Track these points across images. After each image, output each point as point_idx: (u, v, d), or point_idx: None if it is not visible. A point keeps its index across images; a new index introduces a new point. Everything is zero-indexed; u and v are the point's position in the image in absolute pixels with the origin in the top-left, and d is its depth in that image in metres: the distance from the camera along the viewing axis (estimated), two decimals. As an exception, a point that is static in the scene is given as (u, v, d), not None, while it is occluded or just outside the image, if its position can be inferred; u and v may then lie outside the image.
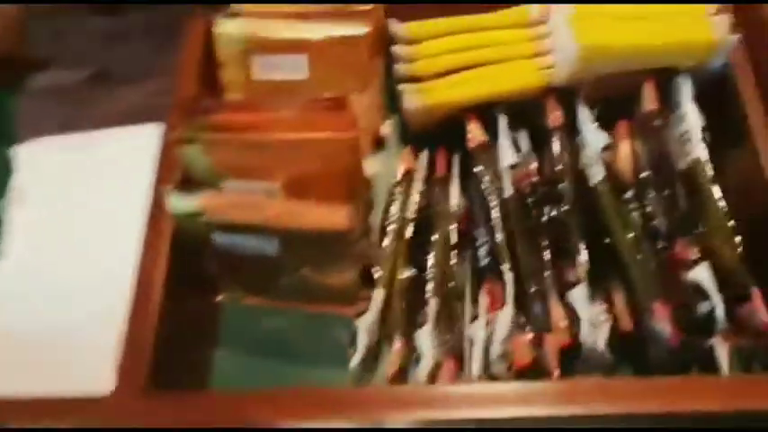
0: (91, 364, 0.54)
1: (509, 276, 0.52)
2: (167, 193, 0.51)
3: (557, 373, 0.49)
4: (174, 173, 0.55)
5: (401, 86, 0.59)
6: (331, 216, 0.50)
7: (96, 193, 0.62)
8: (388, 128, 0.67)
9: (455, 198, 0.59)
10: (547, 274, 0.53)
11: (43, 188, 0.63)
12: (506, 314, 0.51)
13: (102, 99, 0.66)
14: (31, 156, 0.64)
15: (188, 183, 0.54)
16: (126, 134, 0.64)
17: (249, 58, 0.62)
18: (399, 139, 0.67)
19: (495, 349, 0.50)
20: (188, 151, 0.53)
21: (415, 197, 0.60)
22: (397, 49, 0.61)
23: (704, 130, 0.55)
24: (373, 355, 0.56)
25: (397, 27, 0.62)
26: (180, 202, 0.51)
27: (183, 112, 0.53)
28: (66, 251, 0.60)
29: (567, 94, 0.57)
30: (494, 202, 0.55)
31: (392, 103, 0.66)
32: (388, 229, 0.59)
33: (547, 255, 0.53)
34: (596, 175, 0.55)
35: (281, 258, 0.53)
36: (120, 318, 0.53)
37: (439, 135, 0.62)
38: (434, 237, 0.58)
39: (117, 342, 0.53)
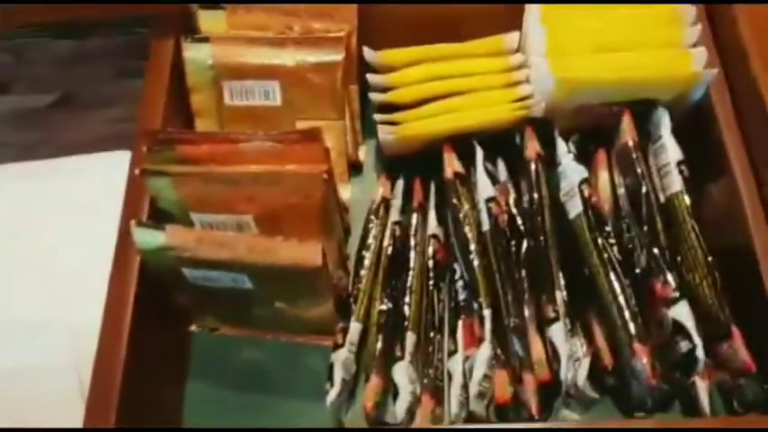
0: (55, 405, 0.53)
1: (487, 312, 0.51)
2: (133, 228, 0.49)
3: (536, 412, 0.48)
4: (141, 204, 0.53)
5: (376, 116, 0.58)
6: (302, 253, 0.48)
7: (60, 224, 0.60)
8: (363, 154, 0.66)
9: (432, 228, 0.58)
10: (525, 308, 0.52)
11: (3, 218, 0.60)
12: (484, 352, 0.49)
13: (65, 125, 0.64)
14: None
15: (156, 215, 0.52)
16: (91, 162, 0.62)
17: (220, 84, 0.60)
18: (375, 165, 0.66)
19: (474, 388, 0.49)
20: (155, 184, 0.51)
21: (392, 227, 0.59)
22: (371, 78, 0.60)
23: (682, 162, 0.54)
24: (350, 389, 0.55)
25: (372, 54, 0.61)
26: (146, 237, 0.49)
27: (149, 143, 0.51)
28: (25, 285, 0.58)
29: (544, 125, 0.57)
30: (471, 235, 0.54)
31: (368, 128, 0.66)
32: (365, 259, 0.58)
33: (525, 289, 0.52)
34: (574, 208, 0.54)
35: (254, 292, 0.52)
36: (84, 355, 0.51)
37: (416, 162, 0.61)
38: (411, 267, 0.57)
39: (84, 371, 0.52)
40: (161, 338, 0.57)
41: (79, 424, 0.47)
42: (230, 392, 0.58)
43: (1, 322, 0.57)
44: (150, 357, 0.53)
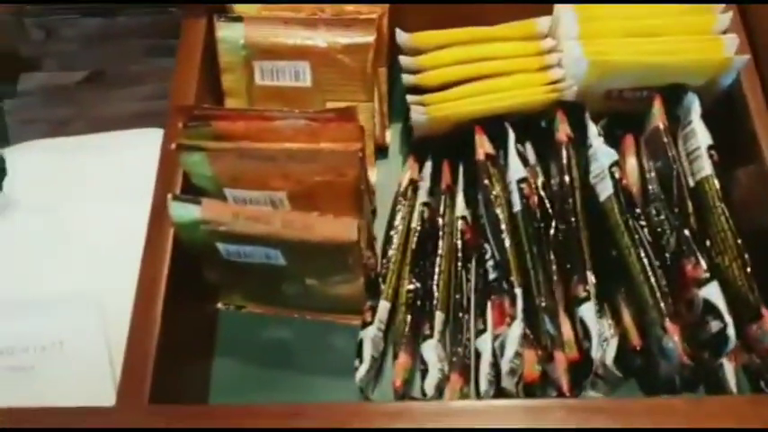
0: (86, 379, 0.53)
1: (518, 291, 0.51)
2: (169, 201, 0.49)
3: (567, 388, 0.49)
4: (175, 179, 0.53)
5: (408, 97, 0.58)
6: (338, 228, 0.49)
7: (94, 198, 0.60)
8: (389, 137, 0.67)
9: (461, 210, 0.58)
10: (556, 289, 0.52)
11: (35, 193, 0.60)
12: (516, 329, 0.50)
13: (95, 102, 0.64)
14: (22, 159, 0.61)
15: (189, 191, 0.53)
16: (123, 138, 0.62)
17: (251, 64, 0.61)
18: (401, 149, 0.67)
19: (505, 366, 0.49)
20: (190, 160, 0.52)
21: (420, 208, 0.59)
22: (403, 60, 0.60)
23: (712, 147, 0.54)
24: (378, 367, 0.56)
25: (403, 37, 0.61)
26: (182, 211, 0.49)
27: (184, 118, 0.51)
28: (59, 259, 0.58)
29: (575, 108, 0.57)
30: (502, 216, 0.54)
31: (396, 111, 0.66)
32: (393, 240, 0.58)
33: (555, 270, 0.53)
34: (605, 191, 0.54)
35: (286, 268, 0.52)
36: (116, 325, 0.52)
37: (444, 145, 0.61)
38: (440, 249, 0.57)
39: (114, 349, 0.52)
40: (191, 315, 0.57)
41: (108, 401, 0.48)
42: (256, 370, 0.58)
43: (31, 297, 0.57)
44: (181, 334, 0.53)
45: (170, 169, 0.54)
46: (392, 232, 0.59)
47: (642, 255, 0.51)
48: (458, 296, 0.56)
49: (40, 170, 0.60)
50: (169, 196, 0.50)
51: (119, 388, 0.47)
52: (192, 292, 0.56)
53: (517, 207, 0.54)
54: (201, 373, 0.58)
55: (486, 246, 0.55)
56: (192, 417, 0.46)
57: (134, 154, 0.59)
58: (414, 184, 0.61)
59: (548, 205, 0.56)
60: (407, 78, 0.59)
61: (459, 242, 0.57)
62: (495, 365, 0.51)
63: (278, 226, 0.49)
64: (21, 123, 0.63)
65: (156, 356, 0.48)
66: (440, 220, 0.59)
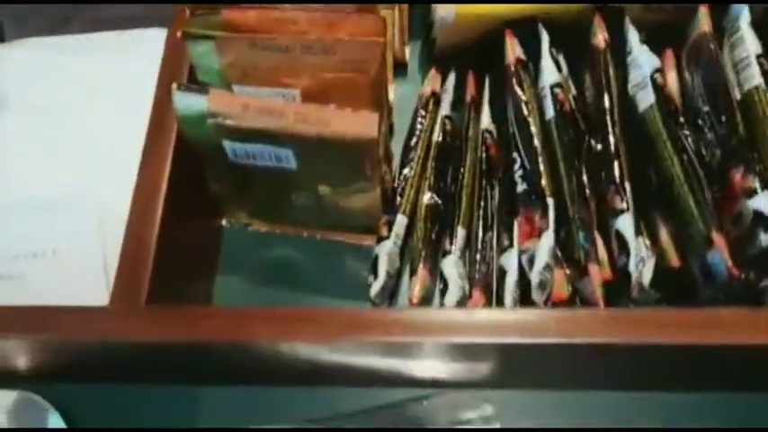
0: (81, 278, 0.49)
1: (550, 201, 0.47)
2: (174, 91, 0.45)
3: (603, 305, 0.45)
4: (180, 74, 0.49)
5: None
6: (356, 123, 0.44)
7: (92, 99, 0.56)
8: (408, 54, 0.63)
9: (486, 123, 0.54)
10: (590, 201, 0.48)
11: (29, 92, 0.56)
12: (548, 240, 0.46)
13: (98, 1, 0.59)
14: (16, 56, 0.57)
15: (196, 85, 0.49)
16: (126, 37, 0.58)
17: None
18: (420, 68, 0.63)
19: (535, 278, 0.45)
20: (198, 49, 0.47)
21: (442, 120, 0.55)
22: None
23: (762, 56, 0.50)
24: (393, 286, 0.52)
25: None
26: (188, 102, 0.45)
27: (192, 6, 0.47)
28: (55, 162, 0.54)
29: (614, 13, 0.53)
30: (533, 123, 0.50)
31: (416, 29, 0.62)
32: (412, 153, 0.54)
33: (590, 181, 0.49)
34: (645, 100, 0.50)
35: (297, 173, 0.48)
36: (112, 232, 0.48)
37: (469, 54, 0.57)
38: (463, 162, 0.54)
39: (110, 256, 0.49)
40: (192, 228, 0.53)
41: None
42: (261, 290, 0.55)
43: (24, 201, 0.53)
44: (181, 244, 0.49)
45: (174, 63, 0.50)
46: (411, 144, 0.55)
47: (686, 162, 0.46)
48: (480, 212, 0.52)
49: (35, 68, 0.56)
50: (174, 86, 0.45)
51: (112, 290, 0.44)
52: (194, 204, 0.52)
53: (550, 113, 0.50)
54: (202, 291, 0.55)
55: (515, 155, 0.50)
56: (191, 318, 0.42)
57: (136, 53, 0.55)
58: (435, 97, 0.57)
59: (580, 116, 0.52)
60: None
61: (484, 156, 0.53)
62: (521, 283, 0.48)
63: (291, 119, 0.45)
64: (15, 20, 0.59)
65: (153, 265, 0.44)
66: (463, 133, 0.55)
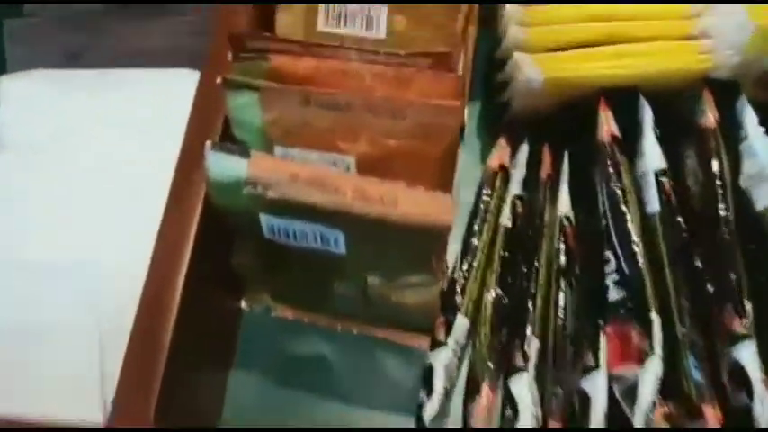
0: (74, 381, 0.40)
1: (655, 318, 0.38)
2: (207, 151, 0.36)
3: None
4: (213, 127, 0.41)
5: (517, 55, 0.46)
6: (432, 205, 0.36)
7: (103, 145, 0.47)
8: (467, 115, 0.54)
9: (564, 207, 0.46)
10: (701, 320, 0.39)
11: (27, 130, 0.47)
12: (655, 369, 0.37)
13: (121, 32, 0.51)
14: (17, 88, 0.48)
15: (232, 144, 0.40)
16: (148, 77, 0.49)
17: (315, 8, 0.48)
18: (480, 132, 0.54)
19: (640, 418, 0.36)
20: (238, 100, 0.39)
21: (512, 201, 0.47)
22: (511, 8, 0.47)
23: None
24: (448, 401, 0.42)
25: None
26: (224, 165, 0.36)
27: (235, 47, 0.39)
28: (51, 216, 0.45)
29: (725, 89, 0.45)
30: (632, 219, 0.41)
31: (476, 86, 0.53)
32: (475, 239, 0.46)
33: (699, 296, 0.40)
34: (764, 196, 0.42)
35: (344, 259, 0.39)
36: (112, 314, 0.39)
37: (543, 125, 0.49)
38: (536, 254, 0.45)
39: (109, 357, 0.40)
40: (211, 310, 0.44)
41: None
42: (283, 390, 0.46)
43: (23, 263, 0.44)
44: (198, 331, 0.41)
45: (207, 113, 0.41)
46: (475, 228, 0.46)
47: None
48: (559, 320, 0.43)
49: (37, 103, 0.47)
50: (208, 144, 0.36)
51: (119, 398, 0.35)
52: (215, 281, 0.43)
53: (654, 207, 0.41)
54: (216, 385, 0.46)
55: (608, 254, 0.41)
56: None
57: (158, 97, 0.46)
58: (504, 172, 0.48)
59: (682, 211, 0.43)
60: (515, 31, 0.46)
61: (562, 248, 0.45)
62: (615, 417, 0.38)
63: (349, 196, 0.36)
64: (23, 50, 0.50)
65: (167, 359, 0.36)
66: (537, 219, 0.46)
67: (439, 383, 0.41)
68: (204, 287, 0.41)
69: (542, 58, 0.45)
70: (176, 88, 0.44)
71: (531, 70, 0.44)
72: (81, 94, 0.47)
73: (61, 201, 0.45)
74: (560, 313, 0.43)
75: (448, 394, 0.41)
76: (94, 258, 0.43)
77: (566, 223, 0.45)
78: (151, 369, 0.35)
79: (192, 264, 0.39)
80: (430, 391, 0.41)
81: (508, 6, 0.47)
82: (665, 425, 0.37)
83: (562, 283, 0.44)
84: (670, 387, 0.38)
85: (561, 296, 0.43)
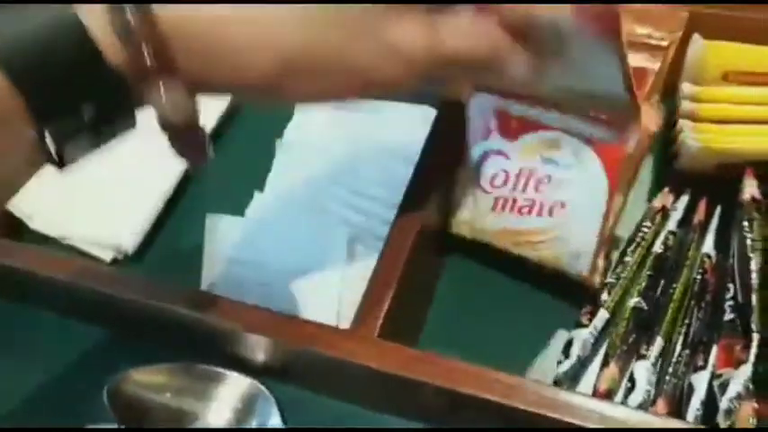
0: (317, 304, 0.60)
1: (755, 337, 0.50)
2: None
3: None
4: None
5: (683, 122, 0.59)
6: None
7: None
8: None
9: (708, 247, 0.57)
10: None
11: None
12: (744, 372, 0.48)
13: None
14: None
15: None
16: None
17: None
18: (652, 179, 0.66)
19: (724, 404, 0.48)
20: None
21: (666, 234, 0.59)
22: (686, 87, 0.60)
23: None
24: (579, 370, 0.56)
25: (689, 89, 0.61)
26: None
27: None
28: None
29: None
30: (755, 262, 0.52)
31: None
32: (628, 257, 0.59)
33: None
34: None
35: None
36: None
37: (702, 183, 0.61)
38: (677, 278, 0.57)
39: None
40: (430, 259, 0.62)
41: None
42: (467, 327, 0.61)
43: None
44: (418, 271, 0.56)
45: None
46: (630, 248, 0.59)
47: None
48: (683, 329, 0.55)
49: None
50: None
51: (357, 315, 0.52)
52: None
53: (777, 257, 0.53)
54: (419, 317, 0.61)
55: (730, 285, 0.53)
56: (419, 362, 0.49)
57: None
58: (664, 211, 0.61)
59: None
60: (687, 105, 0.60)
61: (699, 278, 0.56)
62: (707, 406, 0.50)
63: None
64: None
65: (395, 288, 0.52)
66: (684, 252, 0.59)
67: (575, 352, 0.54)
68: (428, 243, 0.58)
69: (705, 128, 0.58)
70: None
71: (692, 138, 0.57)
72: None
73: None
74: (686, 323, 0.55)
75: (582, 362, 0.55)
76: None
77: (706, 260, 0.57)
78: (384, 294, 0.53)
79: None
80: (567, 355, 0.55)
81: (684, 84, 0.60)
82: (751, 416, 0.48)
83: (693, 303, 0.56)
84: (762, 390, 0.49)
85: (690, 312, 0.56)
